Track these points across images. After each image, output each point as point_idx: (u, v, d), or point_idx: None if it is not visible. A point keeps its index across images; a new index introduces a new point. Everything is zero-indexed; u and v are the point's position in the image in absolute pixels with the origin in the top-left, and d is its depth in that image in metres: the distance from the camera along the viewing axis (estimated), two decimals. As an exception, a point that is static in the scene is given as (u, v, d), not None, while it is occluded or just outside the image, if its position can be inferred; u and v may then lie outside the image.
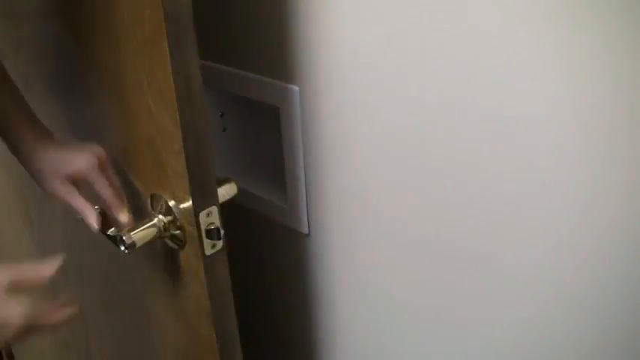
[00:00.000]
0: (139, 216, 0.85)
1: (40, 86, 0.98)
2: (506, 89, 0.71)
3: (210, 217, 0.81)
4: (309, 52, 0.89)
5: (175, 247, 0.86)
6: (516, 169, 0.74)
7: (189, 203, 0.79)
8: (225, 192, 0.86)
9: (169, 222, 0.83)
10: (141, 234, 0.83)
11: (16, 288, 0.67)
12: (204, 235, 0.81)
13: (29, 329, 0.67)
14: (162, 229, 0.84)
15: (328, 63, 0.87)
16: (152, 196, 0.85)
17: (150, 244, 0.84)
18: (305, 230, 1.06)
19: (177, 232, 0.84)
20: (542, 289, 0.79)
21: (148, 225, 0.83)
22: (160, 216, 0.84)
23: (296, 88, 0.93)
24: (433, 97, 0.78)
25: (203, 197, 0.80)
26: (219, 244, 0.84)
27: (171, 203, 0.82)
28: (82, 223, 0.85)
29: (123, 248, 0.81)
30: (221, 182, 0.85)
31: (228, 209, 1.12)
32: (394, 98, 0.82)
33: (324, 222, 1.03)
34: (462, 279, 0.87)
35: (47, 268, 0.72)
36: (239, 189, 0.89)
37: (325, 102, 0.91)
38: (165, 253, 0.90)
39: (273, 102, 0.98)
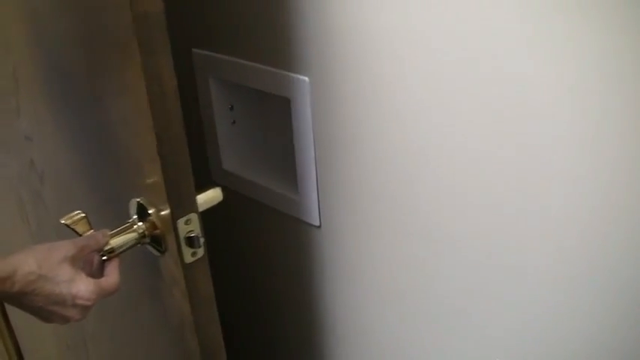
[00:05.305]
0: (120, 221, 0.83)
1: (28, 87, 0.97)
2: (520, 83, 0.70)
3: (190, 225, 0.79)
4: (319, 42, 0.88)
5: (158, 253, 0.84)
6: (525, 163, 0.74)
7: (167, 211, 0.77)
8: (208, 198, 0.83)
9: (149, 228, 0.81)
10: (119, 239, 0.80)
11: (80, 258, 0.74)
12: (183, 243, 0.79)
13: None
14: (141, 235, 0.82)
15: (339, 53, 0.86)
16: (132, 202, 0.82)
17: (132, 249, 0.82)
18: (316, 223, 1.06)
19: (158, 238, 0.81)
20: (549, 286, 0.79)
21: (127, 231, 0.81)
22: (140, 222, 0.82)
23: (306, 79, 0.92)
24: (446, 86, 0.76)
25: (181, 205, 0.77)
26: (200, 252, 0.81)
27: (150, 210, 0.80)
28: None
29: (100, 254, 0.79)
30: (203, 189, 0.82)
31: (238, 202, 1.10)
32: (406, 88, 0.81)
33: (336, 214, 1.02)
34: (475, 273, 0.86)
35: (103, 237, 0.78)
36: (225, 195, 0.86)
37: (336, 93, 0.90)
38: (149, 261, 0.88)
39: (284, 93, 0.97)
